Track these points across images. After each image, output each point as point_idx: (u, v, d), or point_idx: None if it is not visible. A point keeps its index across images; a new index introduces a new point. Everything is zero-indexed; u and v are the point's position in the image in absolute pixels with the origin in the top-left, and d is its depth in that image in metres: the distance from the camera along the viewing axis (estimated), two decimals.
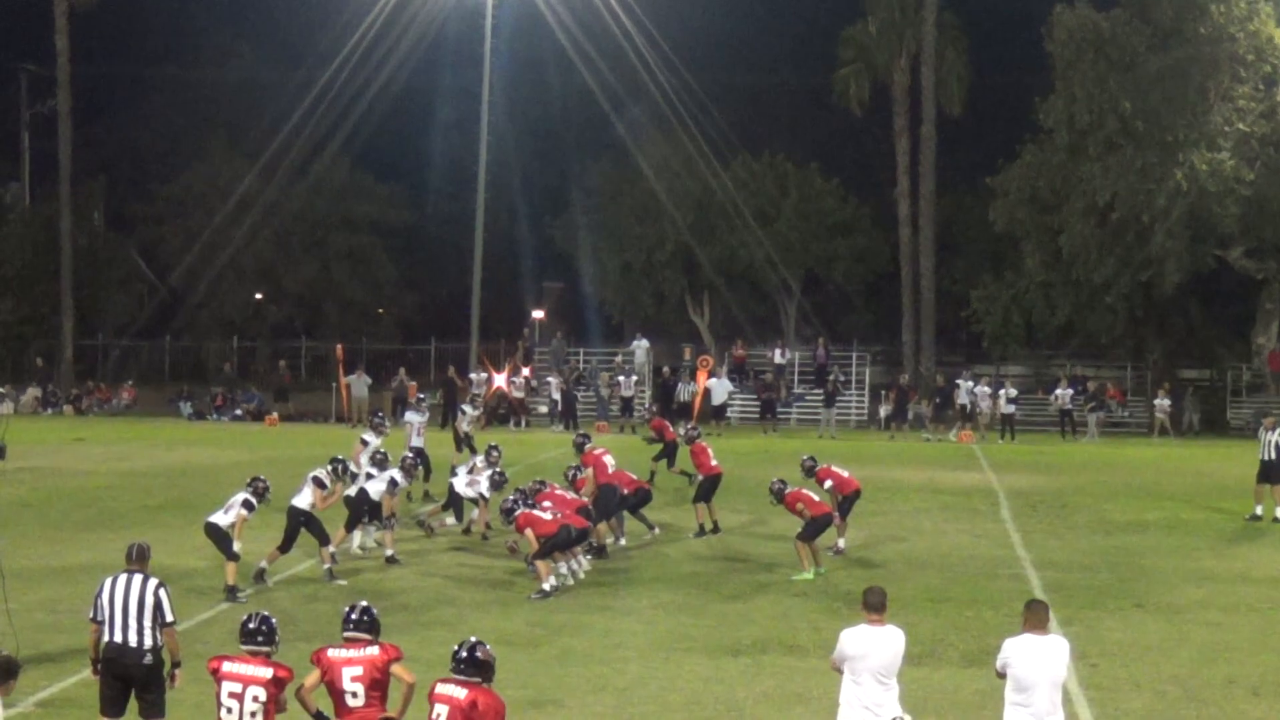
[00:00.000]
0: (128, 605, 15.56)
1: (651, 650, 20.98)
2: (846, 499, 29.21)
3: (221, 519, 24.77)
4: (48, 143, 78.04)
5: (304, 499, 26.23)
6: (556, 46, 68.15)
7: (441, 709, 12.84)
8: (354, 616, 13.84)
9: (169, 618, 15.72)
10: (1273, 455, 34.02)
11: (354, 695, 13.35)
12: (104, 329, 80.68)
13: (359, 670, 13.39)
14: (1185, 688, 19.10)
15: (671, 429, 39.88)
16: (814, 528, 26.71)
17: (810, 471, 29.62)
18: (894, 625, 14.65)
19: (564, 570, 25.59)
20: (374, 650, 13.52)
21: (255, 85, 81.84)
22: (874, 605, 14.65)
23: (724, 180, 69.24)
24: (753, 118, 76.62)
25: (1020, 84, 65.62)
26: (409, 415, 37.09)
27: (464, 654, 13.10)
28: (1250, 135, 59.61)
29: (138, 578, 15.78)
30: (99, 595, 15.74)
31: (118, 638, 15.51)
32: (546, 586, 24.56)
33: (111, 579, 15.79)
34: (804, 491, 27.47)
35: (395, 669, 13.50)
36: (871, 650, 14.31)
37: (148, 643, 15.52)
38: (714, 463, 32.37)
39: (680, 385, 59.51)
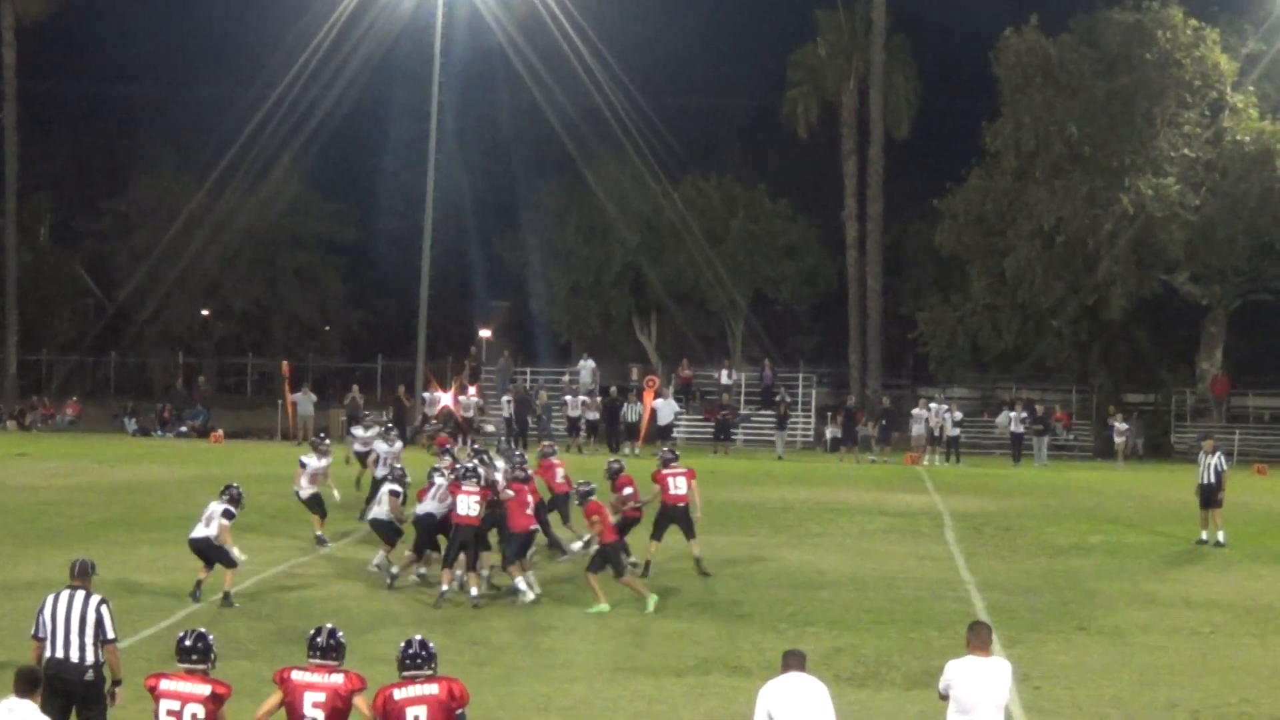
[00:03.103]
0: (69, 621, 15.61)
1: (595, 670, 20.98)
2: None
3: (204, 531, 25.41)
4: None
5: (384, 510, 28.15)
6: (507, 66, 68.30)
7: (417, 710, 12.85)
8: (320, 641, 13.61)
9: (110, 634, 15.77)
10: (1212, 479, 34.17)
11: None
12: (49, 344, 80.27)
13: (321, 697, 13.24)
14: (1127, 711, 19.19)
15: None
16: (602, 557, 25.63)
17: (614, 475, 29.29)
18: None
19: (521, 585, 25.68)
20: (339, 678, 13.38)
21: (204, 101, 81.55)
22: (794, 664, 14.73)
23: (673, 200, 69.24)
24: (702, 138, 76.76)
25: (968, 108, 65.86)
26: (378, 445, 36.68)
27: (418, 650, 13.22)
28: (1196, 161, 59.95)
29: (80, 594, 15.85)
30: (41, 611, 15.77)
31: (59, 654, 15.51)
32: (527, 593, 25.63)
33: (54, 595, 15.84)
34: (606, 509, 26.36)
35: (357, 701, 13.40)
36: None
37: (89, 659, 15.55)
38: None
39: (626, 406, 59.39)
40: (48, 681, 15.33)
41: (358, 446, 39.60)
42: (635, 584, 25.89)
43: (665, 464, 29.49)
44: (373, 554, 28.88)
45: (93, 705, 15.58)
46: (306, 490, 31.46)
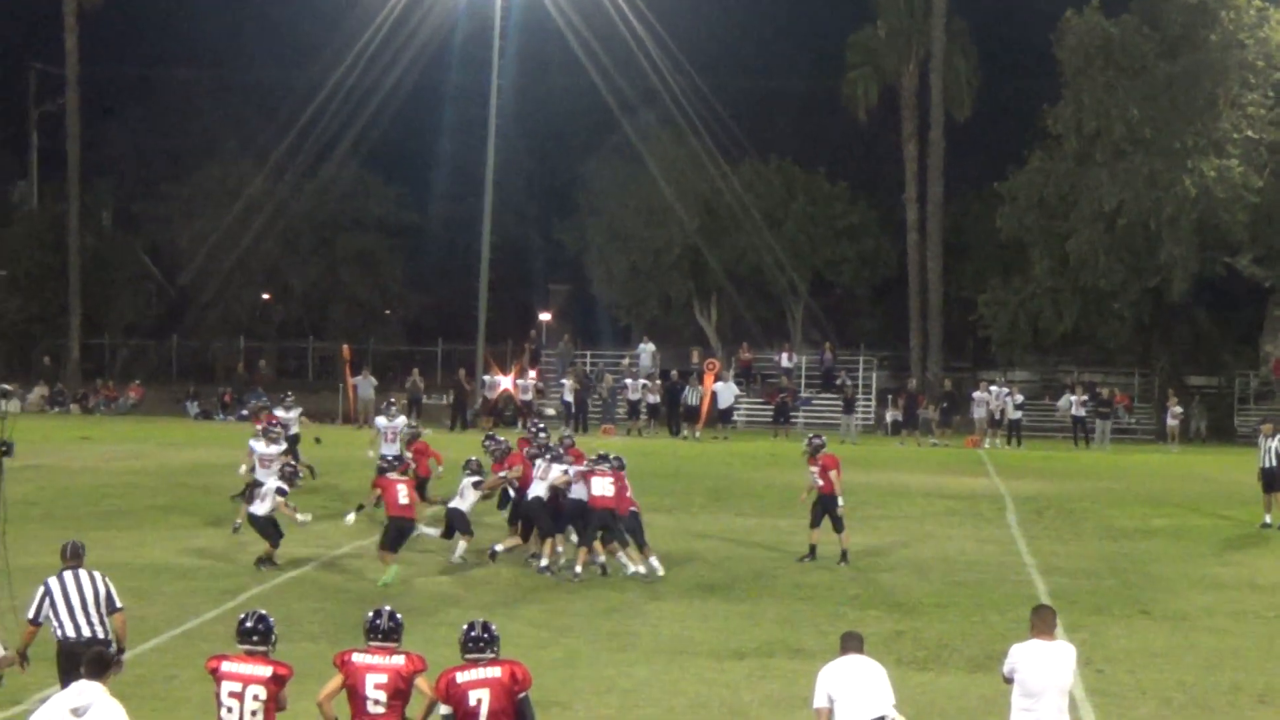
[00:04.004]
0: (84, 599, 16.10)
1: (657, 653, 20.99)
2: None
3: (259, 509, 26.81)
4: (56, 141, 78.25)
5: (465, 502, 28.21)
6: (565, 48, 68.14)
7: (480, 694, 12.88)
8: (381, 624, 13.65)
9: (119, 604, 16.36)
10: (1274, 462, 33.95)
11: (376, 703, 13.26)
12: (111, 328, 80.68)
13: (383, 679, 13.30)
14: (1191, 694, 19.10)
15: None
16: (393, 532, 26.26)
17: (502, 455, 29.53)
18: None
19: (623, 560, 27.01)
20: (400, 660, 13.44)
21: (264, 86, 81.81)
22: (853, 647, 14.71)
23: (732, 183, 69.09)
24: (761, 121, 76.44)
25: (1029, 90, 65.53)
26: (379, 421, 36.60)
27: (480, 633, 13.24)
28: (1259, 142, 59.50)
29: (83, 572, 16.40)
30: (48, 595, 16.12)
31: (85, 632, 15.93)
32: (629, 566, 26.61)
33: (58, 578, 16.27)
34: (398, 486, 26.64)
35: (419, 682, 13.46)
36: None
37: (107, 633, 16.09)
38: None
39: (687, 389, 59.25)
40: (69, 660, 15.59)
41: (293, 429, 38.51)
42: (388, 558, 26.27)
43: (819, 450, 28.94)
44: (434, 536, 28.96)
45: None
46: (261, 474, 31.10)
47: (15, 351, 78.24)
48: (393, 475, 27.32)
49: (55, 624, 15.94)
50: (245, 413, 41.57)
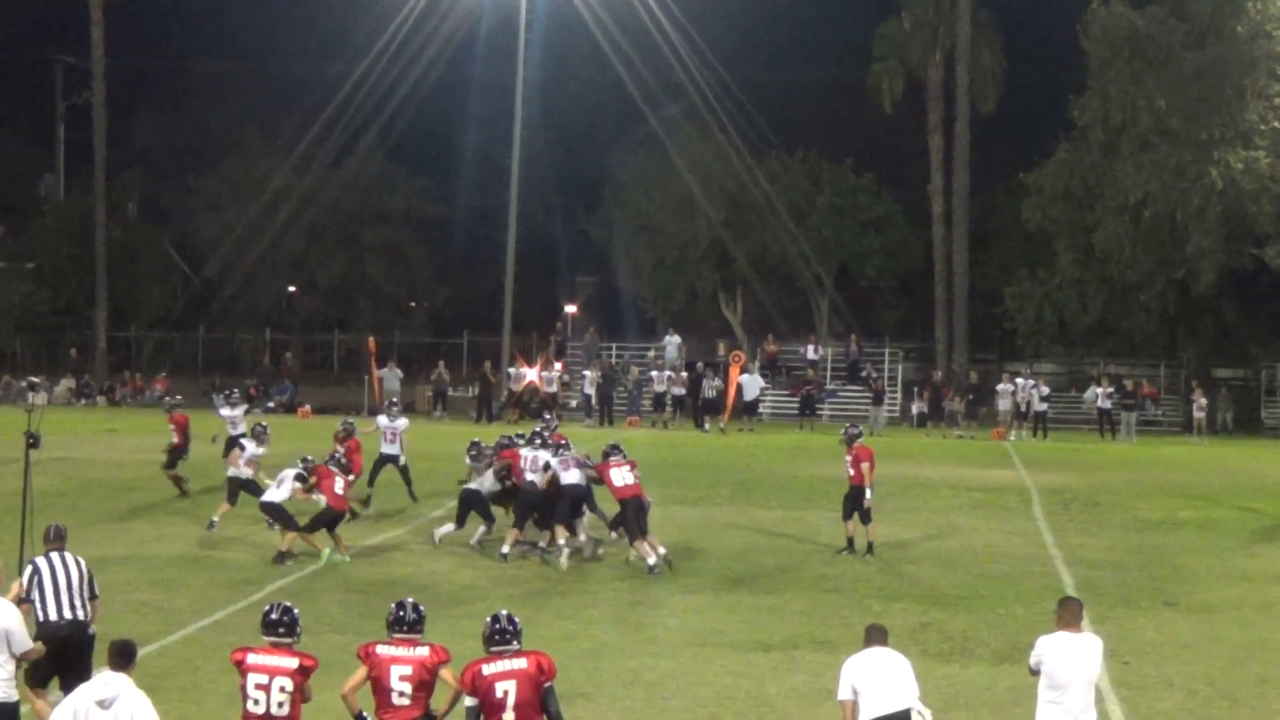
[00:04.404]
0: (70, 581, 16.19)
1: (682, 645, 20.95)
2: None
3: (275, 495, 27.01)
4: (83, 135, 78.38)
5: (483, 483, 28.32)
6: (590, 41, 68.20)
7: (506, 685, 12.83)
8: (405, 616, 13.67)
9: (96, 590, 16.61)
10: None
11: (401, 694, 13.26)
12: (137, 321, 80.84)
13: (408, 670, 13.31)
14: (1217, 687, 19.02)
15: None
16: (322, 518, 26.79)
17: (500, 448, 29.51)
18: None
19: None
20: (424, 651, 13.45)
21: (290, 78, 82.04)
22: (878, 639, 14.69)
23: (757, 176, 69.06)
24: (786, 113, 76.35)
25: (1055, 81, 65.54)
26: (380, 420, 36.41)
27: (506, 625, 13.21)
28: None
29: (68, 555, 16.49)
30: (36, 574, 16.17)
31: (66, 614, 16.02)
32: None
33: (45, 560, 16.36)
34: (336, 478, 27.14)
35: (443, 673, 13.47)
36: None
37: (88, 616, 16.24)
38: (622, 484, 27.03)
39: (705, 382, 58.99)
40: (51, 642, 15.77)
41: (229, 429, 37.44)
42: (310, 540, 26.83)
43: (855, 440, 28.76)
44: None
45: (88, 657, 16.02)
46: (245, 473, 30.86)
47: (42, 344, 78.53)
48: (330, 468, 27.73)
49: (38, 605, 16.01)
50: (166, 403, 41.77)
